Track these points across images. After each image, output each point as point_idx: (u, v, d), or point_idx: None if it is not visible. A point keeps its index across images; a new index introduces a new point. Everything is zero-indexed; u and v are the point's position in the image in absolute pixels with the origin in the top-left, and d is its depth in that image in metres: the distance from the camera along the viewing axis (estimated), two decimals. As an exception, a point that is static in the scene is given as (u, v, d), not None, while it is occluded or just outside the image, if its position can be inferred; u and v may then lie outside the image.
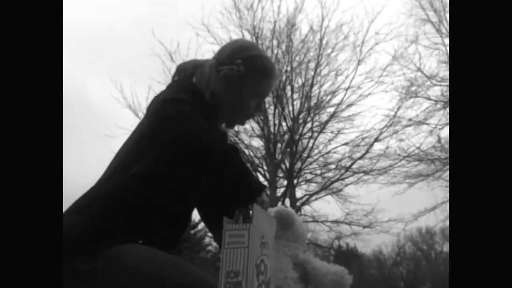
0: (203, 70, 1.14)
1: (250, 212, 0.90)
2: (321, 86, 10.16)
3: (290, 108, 10.20)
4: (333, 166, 10.29)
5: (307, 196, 10.33)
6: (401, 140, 9.83)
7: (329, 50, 10.02)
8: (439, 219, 10.60)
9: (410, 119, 9.81)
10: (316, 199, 10.39)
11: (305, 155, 10.16)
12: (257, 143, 10.23)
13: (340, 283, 0.96)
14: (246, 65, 1.12)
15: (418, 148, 9.77)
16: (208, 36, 10.13)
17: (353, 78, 9.90)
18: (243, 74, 1.12)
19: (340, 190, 10.41)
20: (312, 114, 10.10)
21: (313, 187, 10.52)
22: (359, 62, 9.81)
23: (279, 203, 9.25)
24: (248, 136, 10.11)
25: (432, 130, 9.77)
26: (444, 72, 9.51)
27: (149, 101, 1.09)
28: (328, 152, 10.35)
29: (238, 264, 0.82)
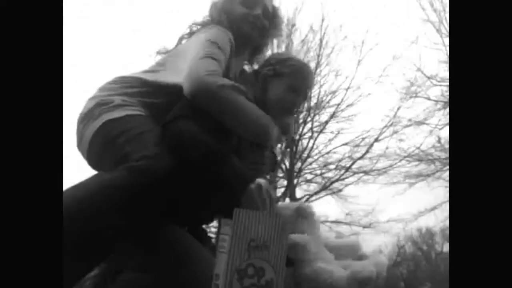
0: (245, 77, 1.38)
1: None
2: (321, 86, 10.15)
3: (290, 108, 10.14)
4: (333, 166, 10.27)
5: (307, 196, 10.30)
6: (401, 140, 9.81)
7: (329, 50, 10.01)
8: (439, 219, 10.59)
9: (410, 119, 9.79)
10: (316, 199, 10.38)
11: (305, 155, 10.14)
12: (257, 143, 10.17)
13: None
14: (281, 65, 1.32)
15: (418, 148, 9.76)
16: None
17: (353, 78, 9.91)
18: (279, 70, 1.31)
19: (340, 190, 10.38)
20: (312, 114, 10.07)
21: (313, 187, 10.50)
22: (359, 62, 9.81)
23: (279, 203, 9.23)
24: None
25: (432, 130, 9.75)
26: (444, 72, 9.48)
27: None
28: (328, 152, 10.32)
29: (219, 268, 0.87)
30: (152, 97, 1.21)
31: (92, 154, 1.18)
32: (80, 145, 1.21)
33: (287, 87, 1.30)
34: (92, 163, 1.22)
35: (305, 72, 1.35)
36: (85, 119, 1.19)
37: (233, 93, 1.12)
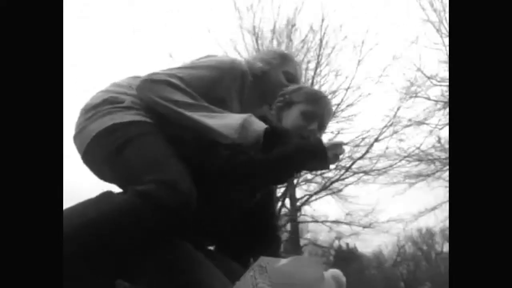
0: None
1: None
2: (321, 86, 10.14)
3: (291, 108, 10.13)
4: (333, 166, 10.27)
5: (307, 196, 10.31)
6: (401, 140, 9.81)
7: (329, 50, 10.01)
8: (439, 219, 10.61)
9: (410, 119, 9.78)
10: (316, 199, 10.39)
11: (305, 155, 10.11)
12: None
13: None
14: (292, 94, 1.31)
15: (418, 148, 9.76)
16: (208, 37, 10.13)
17: (353, 78, 9.91)
18: (290, 99, 1.31)
19: (340, 190, 10.40)
20: (312, 114, 10.03)
21: (313, 187, 10.51)
22: (359, 62, 9.81)
23: (279, 203, 9.26)
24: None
25: (432, 130, 9.74)
26: (444, 72, 9.47)
27: None
28: (328, 152, 10.31)
29: None
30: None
31: (90, 152, 1.14)
32: (77, 137, 1.17)
33: (299, 114, 1.26)
34: (89, 160, 1.18)
35: (317, 98, 1.31)
36: (90, 111, 1.15)
37: (161, 87, 1.15)
